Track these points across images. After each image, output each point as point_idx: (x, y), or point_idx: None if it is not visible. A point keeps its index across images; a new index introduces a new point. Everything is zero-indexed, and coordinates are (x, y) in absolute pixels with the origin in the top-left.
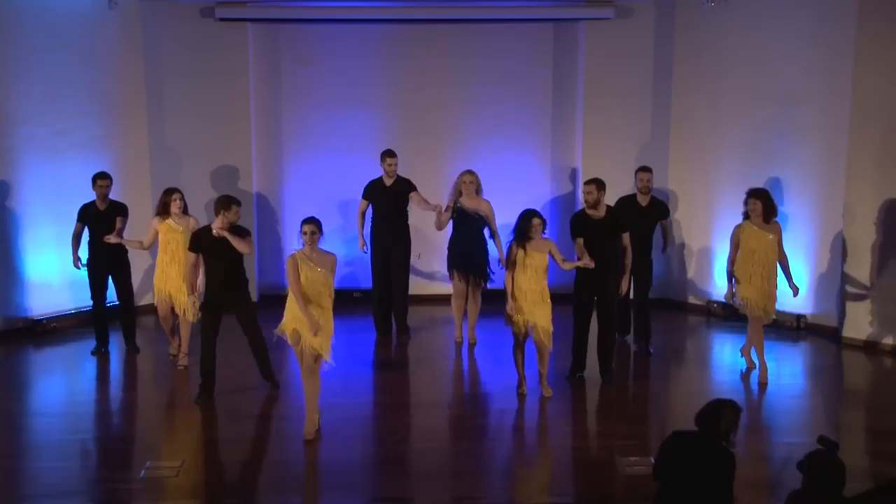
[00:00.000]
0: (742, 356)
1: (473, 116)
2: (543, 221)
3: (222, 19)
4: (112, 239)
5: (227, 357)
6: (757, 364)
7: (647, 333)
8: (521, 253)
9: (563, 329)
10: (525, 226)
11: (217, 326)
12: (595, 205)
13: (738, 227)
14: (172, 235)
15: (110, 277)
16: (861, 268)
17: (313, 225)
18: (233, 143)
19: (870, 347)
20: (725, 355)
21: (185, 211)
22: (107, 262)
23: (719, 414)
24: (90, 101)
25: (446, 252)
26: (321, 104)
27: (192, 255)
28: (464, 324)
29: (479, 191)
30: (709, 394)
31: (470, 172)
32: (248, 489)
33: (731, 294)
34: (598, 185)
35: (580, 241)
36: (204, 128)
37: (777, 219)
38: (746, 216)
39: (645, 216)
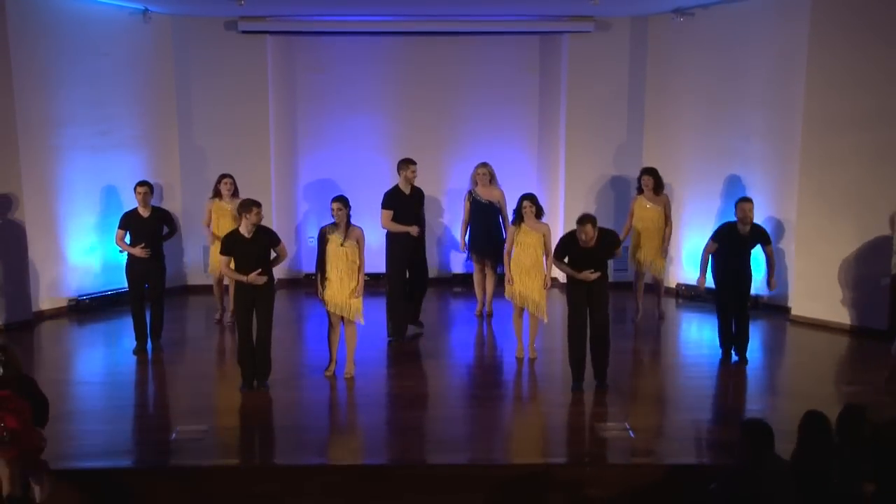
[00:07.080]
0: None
1: (468, 118)
2: (535, 206)
3: (244, 32)
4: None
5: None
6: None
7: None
8: (516, 231)
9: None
10: (516, 207)
11: (251, 319)
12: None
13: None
14: (223, 213)
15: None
16: (809, 256)
17: (337, 202)
18: (253, 141)
19: (815, 325)
20: (692, 332)
21: (234, 194)
22: (144, 272)
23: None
24: (127, 105)
25: (468, 238)
26: (331, 107)
27: (223, 258)
28: (484, 298)
29: (492, 181)
30: (682, 368)
31: (483, 165)
32: (272, 449)
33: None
34: (594, 223)
35: (560, 263)
36: (228, 128)
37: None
38: (641, 191)
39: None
